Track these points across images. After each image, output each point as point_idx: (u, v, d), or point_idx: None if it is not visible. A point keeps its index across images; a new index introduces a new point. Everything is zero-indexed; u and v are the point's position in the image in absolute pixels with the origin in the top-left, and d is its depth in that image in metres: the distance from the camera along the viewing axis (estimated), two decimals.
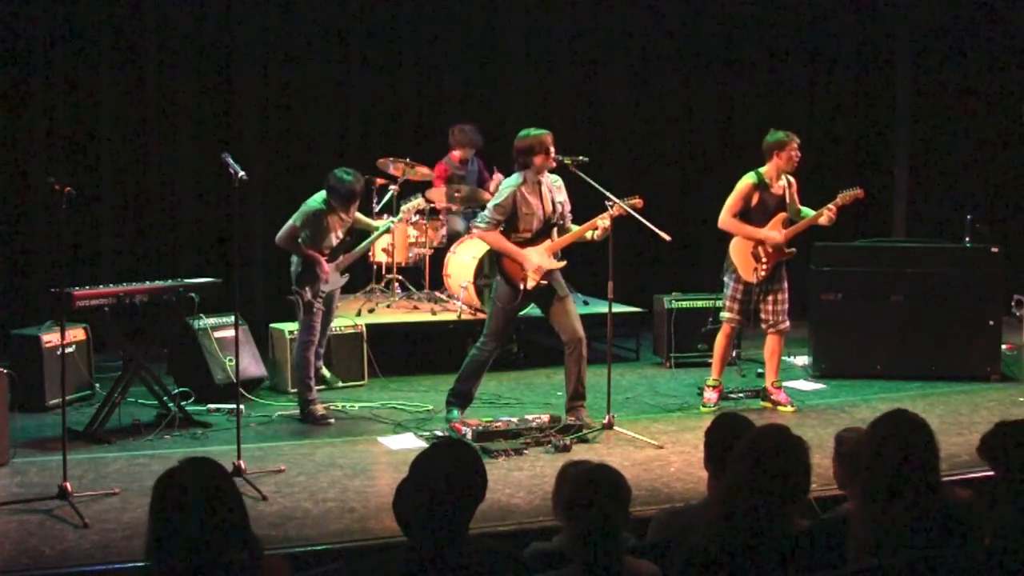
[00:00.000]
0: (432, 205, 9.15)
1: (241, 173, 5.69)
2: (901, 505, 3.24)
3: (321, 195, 6.89)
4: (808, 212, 7.24)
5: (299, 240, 6.87)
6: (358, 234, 7.31)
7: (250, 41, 9.57)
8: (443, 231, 9.23)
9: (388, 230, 7.38)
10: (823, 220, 7.13)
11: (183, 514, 2.68)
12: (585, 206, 6.84)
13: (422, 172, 9.19)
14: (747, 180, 7.14)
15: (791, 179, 7.24)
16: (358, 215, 7.20)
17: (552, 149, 6.51)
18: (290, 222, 6.88)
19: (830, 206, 7.11)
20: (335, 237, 7.01)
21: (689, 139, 11.22)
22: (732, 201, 7.15)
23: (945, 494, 3.37)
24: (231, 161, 5.78)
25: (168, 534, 2.69)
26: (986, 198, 11.00)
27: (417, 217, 9.00)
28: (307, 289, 6.90)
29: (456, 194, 9.21)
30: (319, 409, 7.02)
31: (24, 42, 8.85)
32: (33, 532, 4.91)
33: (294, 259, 6.96)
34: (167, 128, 9.41)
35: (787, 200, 7.20)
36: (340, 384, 7.86)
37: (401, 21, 10.23)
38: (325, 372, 7.75)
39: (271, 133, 9.66)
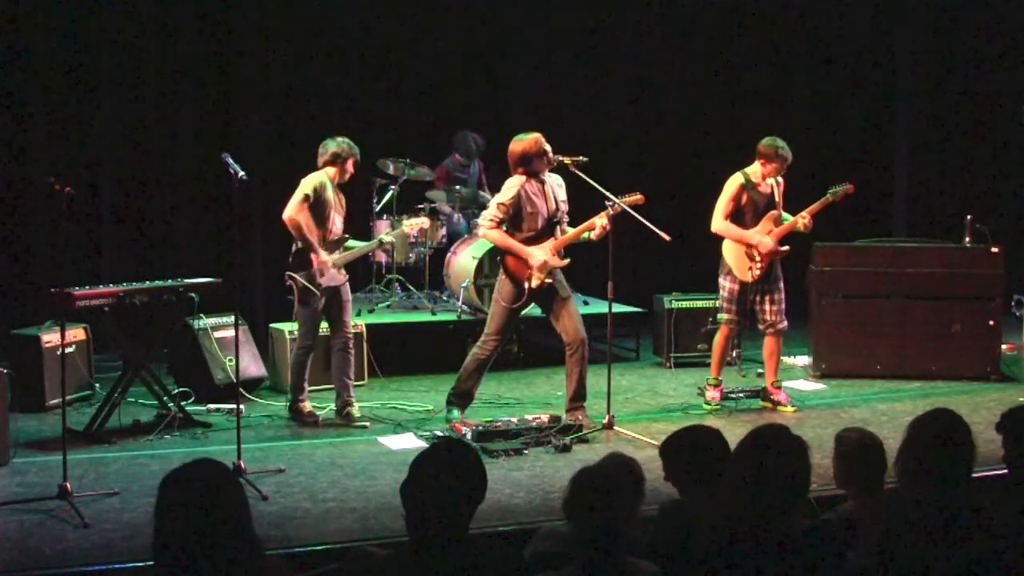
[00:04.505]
0: (433, 205, 9.17)
1: (241, 173, 5.70)
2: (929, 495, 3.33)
3: (320, 171, 6.83)
4: (787, 217, 7.23)
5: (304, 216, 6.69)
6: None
7: (250, 41, 9.56)
8: (443, 231, 9.24)
9: (381, 243, 7.30)
10: (800, 227, 7.13)
11: (188, 514, 2.69)
12: (585, 206, 6.84)
13: (422, 172, 9.20)
14: (735, 181, 7.15)
15: (779, 179, 7.23)
16: (353, 242, 7.08)
17: (548, 148, 6.52)
18: (298, 194, 6.70)
19: (803, 214, 7.10)
20: (336, 219, 6.88)
21: (689, 139, 11.21)
22: (723, 203, 7.15)
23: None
24: (231, 161, 5.78)
25: (172, 534, 2.69)
26: (986, 198, 10.99)
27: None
28: (300, 274, 6.76)
29: (456, 195, 9.22)
30: (306, 407, 7.03)
31: (24, 42, 8.84)
32: (33, 532, 4.91)
33: (294, 248, 6.84)
34: (167, 128, 9.40)
35: (775, 198, 7.20)
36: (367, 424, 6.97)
37: (402, 21, 10.22)
38: (353, 411, 6.99)
39: (271, 133, 9.65)
